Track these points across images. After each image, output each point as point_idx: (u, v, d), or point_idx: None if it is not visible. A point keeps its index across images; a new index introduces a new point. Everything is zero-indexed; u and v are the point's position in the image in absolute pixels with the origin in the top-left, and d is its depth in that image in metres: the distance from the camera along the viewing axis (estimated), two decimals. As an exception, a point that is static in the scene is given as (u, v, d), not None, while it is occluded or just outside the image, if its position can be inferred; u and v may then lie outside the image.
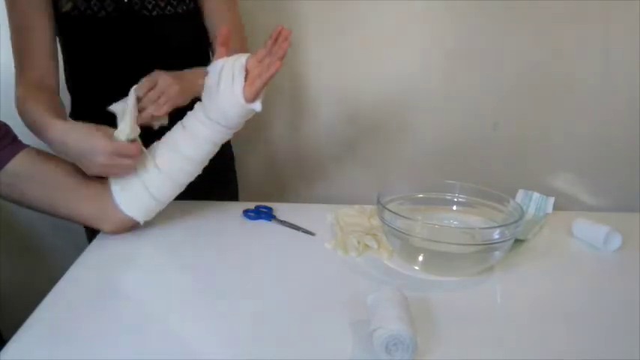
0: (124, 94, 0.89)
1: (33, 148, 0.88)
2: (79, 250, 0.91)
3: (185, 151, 0.89)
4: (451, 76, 1.55)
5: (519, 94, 1.56)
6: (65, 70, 1.10)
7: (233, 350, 0.68)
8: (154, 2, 1.01)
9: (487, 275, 0.87)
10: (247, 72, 0.83)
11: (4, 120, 0.88)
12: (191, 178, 0.93)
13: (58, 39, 1.03)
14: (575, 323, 0.76)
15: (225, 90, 0.83)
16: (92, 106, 1.02)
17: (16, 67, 0.99)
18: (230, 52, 0.88)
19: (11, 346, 0.67)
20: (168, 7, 1.01)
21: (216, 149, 0.92)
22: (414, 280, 0.85)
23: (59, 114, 0.92)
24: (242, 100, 0.83)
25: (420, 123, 1.59)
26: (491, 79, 1.55)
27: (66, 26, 1.01)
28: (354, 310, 0.76)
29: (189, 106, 0.92)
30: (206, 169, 0.95)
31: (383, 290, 0.73)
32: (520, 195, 1.12)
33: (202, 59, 1.05)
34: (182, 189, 0.93)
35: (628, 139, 1.57)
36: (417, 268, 0.88)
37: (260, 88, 0.82)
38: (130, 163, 0.86)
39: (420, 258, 0.87)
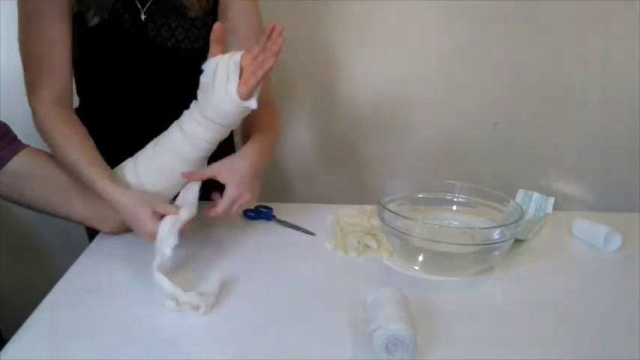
0: (136, 102, 0.90)
1: (33, 148, 0.88)
2: (79, 250, 0.91)
3: (181, 150, 0.89)
4: (451, 76, 1.55)
5: (519, 95, 1.56)
6: (76, 75, 1.05)
7: (233, 350, 0.68)
8: (169, 33, 0.97)
9: (487, 275, 0.87)
10: (242, 69, 0.83)
11: (4, 120, 0.88)
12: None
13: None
14: (576, 323, 0.76)
15: (220, 88, 0.83)
16: (102, 109, 1.02)
17: (30, 81, 0.93)
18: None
19: (11, 346, 0.67)
20: (185, 42, 0.98)
21: (213, 148, 0.92)
22: (414, 280, 0.85)
23: (96, 155, 0.88)
24: (237, 98, 0.83)
25: (420, 123, 1.59)
26: (491, 79, 1.55)
27: (91, 39, 0.96)
28: (354, 310, 0.76)
29: (186, 105, 0.91)
30: None
31: (383, 290, 0.73)
32: (520, 195, 1.12)
33: None
34: (179, 188, 0.93)
35: (628, 139, 1.57)
36: (417, 268, 0.88)
37: (255, 85, 0.82)
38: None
39: (420, 258, 0.87)
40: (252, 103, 0.84)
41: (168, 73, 0.99)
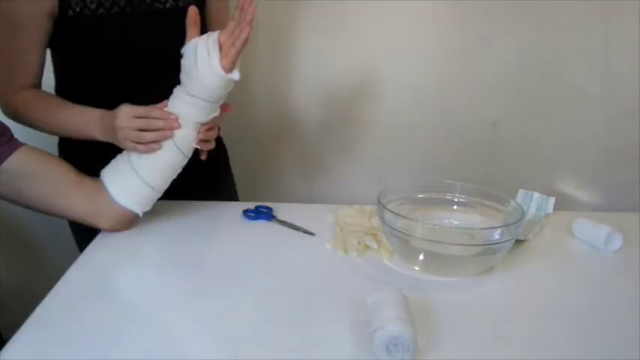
0: (129, 91, 0.90)
1: (30, 147, 0.88)
2: (79, 250, 0.91)
3: (174, 134, 0.90)
4: (451, 76, 1.55)
5: (519, 94, 1.56)
6: (58, 76, 1.07)
7: (233, 350, 0.68)
8: None
9: (487, 275, 0.87)
10: (220, 45, 0.87)
11: (1, 119, 0.88)
12: (183, 161, 0.93)
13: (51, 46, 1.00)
14: (576, 323, 0.76)
15: (203, 65, 0.86)
16: (95, 86, 1.02)
17: (3, 88, 0.98)
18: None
19: (11, 346, 0.67)
20: (180, 1, 1.01)
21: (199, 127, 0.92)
22: (414, 280, 0.85)
23: (78, 106, 0.97)
24: (220, 71, 0.86)
25: (420, 123, 1.59)
26: (491, 79, 1.55)
27: (72, 29, 0.96)
28: (354, 311, 0.76)
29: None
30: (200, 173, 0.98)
31: (383, 291, 0.73)
32: (520, 195, 1.12)
33: None
34: (176, 173, 0.93)
35: (628, 138, 1.57)
36: (417, 268, 0.88)
37: (235, 56, 0.86)
38: (160, 124, 0.88)
39: (420, 258, 0.87)
40: (235, 75, 0.88)
41: (172, 37, 0.93)
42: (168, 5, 1.00)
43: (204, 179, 1.08)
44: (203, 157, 0.97)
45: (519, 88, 1.55)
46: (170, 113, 0.90)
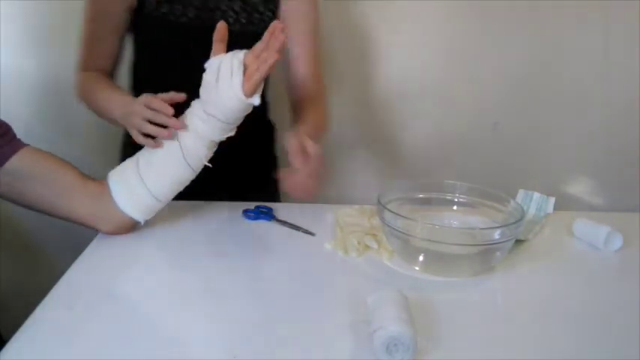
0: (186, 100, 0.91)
1: (33, 148, 0.88)
2: (79, 250, 0.90)
3: (184, 148, 0.89)
4: (451, 76, 1.55)
5: (519, 94, 1.56)
6: (132, 70, 1.14)
7: (233, 350, 0.68)
8: (235, 17, 1.04)
9: (488, 275, 0.87)
10: (245, 67, 0.84)
11: (3, 119, 0.88)
12: (191, 176, 0.92)
13: (133, 38, 1.09)
14: (576, 323, 0.76)
15: (224, 85, 0.84)
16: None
17: (79, 61, 1.08)
18: (305, 77, 1.02)
19: (11, 346, 0.67)
20: (250, 26, 1.03)
21: (215, 146, 0.92)
22: (414, 280, 0.85)
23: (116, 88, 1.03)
24: (241, 95, 0.83)
25: (420, 123, 1.59)
26: (492, 79, 1.55)
27: (146, 27, 1.04)
28: (354, 311, 0.76)
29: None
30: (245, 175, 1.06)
31: (383, 291, 0.73)
32: (520, 195, 1.12)
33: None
34: (183, 187, 0.93)
35: (628, 138, 1.58)
36: (417, 268, 0.87)
37: (258, 81, 0.83)
38: (164, 120, 0.87)
39: (421, 258, 0.87)
40: (255, 100, 0.85)
41: None
42: (236, 28, 1.02)
43: (249, 187, 1.16)
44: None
45: (519, 88, 1.55)
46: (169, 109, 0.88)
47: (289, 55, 1.10)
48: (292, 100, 1.15)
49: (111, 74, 1.10)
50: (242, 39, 0.90)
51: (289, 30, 1.01)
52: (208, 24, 0.97)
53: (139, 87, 1.13)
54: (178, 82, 0.92)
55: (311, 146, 0.86)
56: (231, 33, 0.98)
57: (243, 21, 1.06)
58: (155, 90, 0.94)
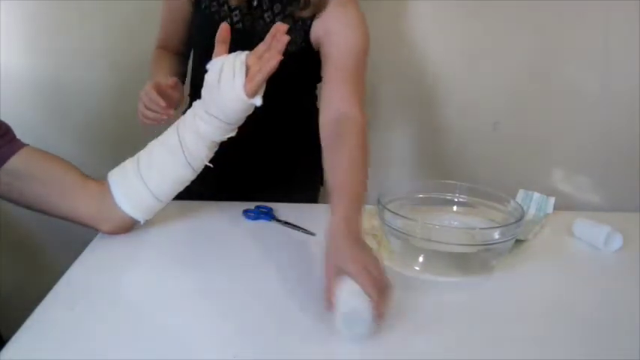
0: None
1: (32, 147, 0.88)
2: (79, 250, 0.90)
3: (185, 147, 0.89)
4: (451, 76, 1.55)
5: (519, 94, 1.56)
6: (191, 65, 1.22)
7: (233, 350, 0.68)
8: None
9: (487, 275, 0.87)
10: (247, 68, 0.84)
11: (4, 120, 0.88)
12: (192, 177, 0.92)
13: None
14: (576, 323, 0.76)
15: (226, 86, 0.84)
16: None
17: (157, 41, 1.20)
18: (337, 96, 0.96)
19: (11, 346, 0.67)
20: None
21: (216, 147, 0.92)
22: (414, 280, 0.85)
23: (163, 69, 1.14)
24: (243, 95, 0.83)
25: (420, 123, 1.59)
26: (492, 79, 1.55)
27: (197, 23, 1.12)
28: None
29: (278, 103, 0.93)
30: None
31: None
32: (520, 195, 1.12)
33: (303, 94, 1.18)
34: (183, 187, 0.93)
35: (628, 138, 1.58)
36: (417, 268, 0.88)
37: (260, 82, 0.83)
38: (154, 108, 0.97)
39: (421, 258, 0.87)
40: (257, 101, 0.85)
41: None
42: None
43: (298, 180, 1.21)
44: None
45: (519, 88, 1.55)
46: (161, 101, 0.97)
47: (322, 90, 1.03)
48: (322, 139, 0.98)
49: (184, 54, 1.21)
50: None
51: (331, 54, 1.00)
52: (249, 30, 1.05)
53: (192, 82, 1.21)
54: None
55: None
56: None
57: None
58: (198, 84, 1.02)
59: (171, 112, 0.99)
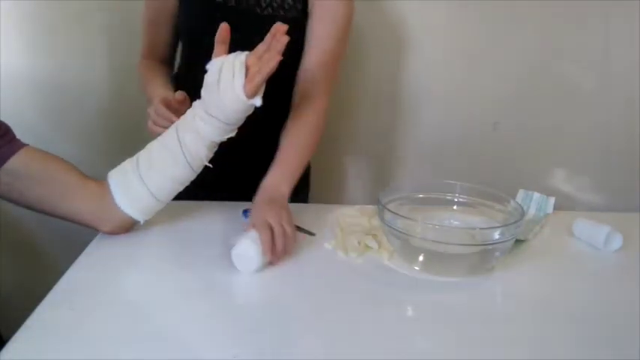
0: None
1: (32, 147, 0.88)
2: (79, 250, 0.91)
3: (184, 148, 0.89)
4: (451, 76, 1.55)
5: (519, 94, 1.56)
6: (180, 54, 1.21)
7: (233, 350, 0.68)
8: (268, 1, 1.06)
9: (487, 275, 0.87)
10: (247, 68, 0.84)
11: (3, 120, 0.88)
12: (192, 177, 0.92)
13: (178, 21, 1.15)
14: (576, 323, 0.76)
15: (226, 86, 0.84)
16: (193, 78, 1.04)
17: (141, 50, 1.18)
18: (308, 77, 1.01)
19: (11, 346, 0.67)
20: (281, 11, 1.06)
21: (215, 147, 0.92)
22: (414, 280, 0.85)
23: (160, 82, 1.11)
24: (243, 96, 0.83)
25: (420, 123, 1.59)
26: (492, 79, 1.55)
27: (186, 5, 1.10)
28: (354, 310, 0.76)
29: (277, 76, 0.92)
30: None
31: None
32: (520, 195, 1.12)
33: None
34: (183, 187, 0.93)
35: (628, 138, 1.58)
36: (417, 268, 0.88)
37: (260, 83, 0.83)
38: (160, 123, 0.95)
39: (421, 258, 0.87)
40: (257, 101, 0.85)
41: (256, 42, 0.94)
42: (265, 12, 1.05)
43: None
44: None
45: (519, 88, 1.55)
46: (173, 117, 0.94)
47: (306, 45, 1.10)
48: (296, 88, 1.12)
49: (168, 62, 1.20)
50: (272, 23, 0.89)
51: (314, 24, 1.08)
52: (242, 7, 1.06)
53: (183, 67, 1.20)
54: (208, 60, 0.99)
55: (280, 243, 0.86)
56: (263, 18, 1.04)
57: (275, 5, 1.07)
58: (191, 69, 1.04)
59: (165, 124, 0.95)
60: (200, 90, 0.89)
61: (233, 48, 0.89)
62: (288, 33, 0.84)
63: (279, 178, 0.98)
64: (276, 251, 0.86)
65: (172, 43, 1.18)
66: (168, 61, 1.20)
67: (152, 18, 1.15)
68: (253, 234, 0.86)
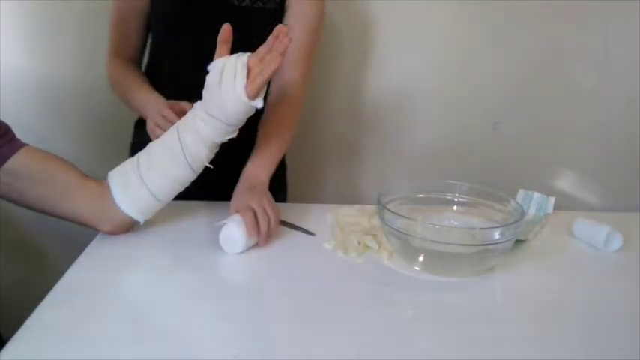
0: (195, 77, 0.91)
1: (32, 147, 0.88)
2: (79, 250, 0.90)
3: (185, 148, 0.89)
4: (451, 76, 1.55)
5: (519, 94, 1.56)
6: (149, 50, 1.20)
7: (233, 350, 0.68)
8: None
9: (487, 275, 0.87)
10: (249, 70, 0.84)
11: (3, 120, 0.88)
12: (192, 177, 0.92)
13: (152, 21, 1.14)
14: (576, 323, 0.76)
15: (227, 87, 0.84)
16: (169, 71, 1.06)
17: (108, 49, 1.16)
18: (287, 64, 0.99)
19: (11, 346, 0.67)
20: (259, 2, 1.06)
21: (216, 148, 0.92)
22: (414, 280, 0.85)
23: (143, 85, 1.09)
24: (244, 97, 0.83)
25: (420, 123, 1.59)
26: (492, 79, 1.55)
27: (162, 8, 1.10)
28: (354, 310, 0.76)
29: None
30: None
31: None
32: (520, 195, 1.12)
33: None
34: (183, 188, 0.93)
35: (628, 138, 1.58)
36: (417, 268, 0.88)
37: (262, 84, 0.83)
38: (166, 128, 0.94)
39: (421, 258, 0.87)
40: (258, 103, 0.85)
41: (241, 35, 0.93)
42: (243, 4, 1.05)
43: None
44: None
45: (519, 88, 1.55)
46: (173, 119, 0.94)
47: None
48: (272, 81, 1.11)
49: (138, 62, 1.18)
50: (250, 16, 0.90)
51: (288, 22, 1.08)
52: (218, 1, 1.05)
53: (153, 63, 1.19)
54: (185, 54, 1.02)
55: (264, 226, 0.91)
56: (240, 9, 1.04)
57: None
58: (164, 63, 1.04)
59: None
60: (171, 81, 0.91)
61: (212, 40, 0.89)
62: (264, 24, 0.85)
63: (258, 167, 1.02)
64: (261, 232, 0.90)
65: (142, 42, 1.17)
66: (138, 60, 1.19)
67: (121, 15, 1.14)
68: (238, 217, 0.90)
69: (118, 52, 1.16)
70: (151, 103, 1.02)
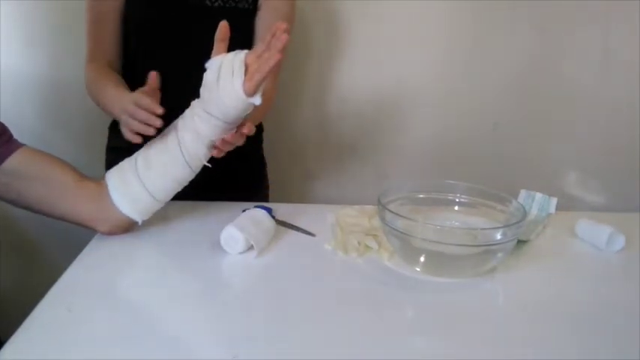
0: (171, 78, 0.91)
1: (29, 148, 0.87)
2: (78, 250, 0.90)
3: (183, 147, 0.89)
4: (451, 76, 1.55)
5: (519, 95, 1.56)
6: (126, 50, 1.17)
7: (233, 350, 0.68)
8: None
9: (489, 276, 0.87)
10: (246, 67, 0.84)
11: (3, 119, 0.87)
12: (190, 176, 0.92)
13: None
14: (578, 324, 0.76)
15: (225, 85, 0.83)
16: (143, 73, 1.04)
17: (86, 53, 1.12)
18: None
19: (10, 346, 0.67)
20: (231, 2, 1.07)
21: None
22: (414, 281, 0.85)
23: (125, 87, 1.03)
24: (242, 95, 0.83)
25: (420, 123, 1.59)
26: (492, 79, 1.55)
27: (135, 8, 1.09)
28: (354, 311, 0.76)
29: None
30: (237, 175, 1.05)
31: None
32: (522, 195, 1.11)
33: None
34: (181, 187, 0.93)
35: (630, 138, 1.57)
36: (417, 269, 0.87)
37: (260, 81, 0.82)
38: (144, 117, 0.86)
39: (421, 259, 0.86)
40: (257, 100, 0.84)
41: (213, 35, 0.92)
42: (215, 4, 1.06)
43: (240, 187, 1.18)
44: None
45: (519, 88, 1.55)
46: (157, 107, 0.87)
47: (255, 38, 1.12)
48: None
49: (116, 66, 1.13)
50: (222, 15, 0.89)
51: (259, 21, 1.09)
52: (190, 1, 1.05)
53: (127, 65, 1.15)
54: (159, 55, 1.00)
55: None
56: (213, 10, 1.04)
57: None
58: (138, 63, 1.02)
59: (160, 121, 0.87)
60: (147, 84, 0.90)
61: (185, 41, 0.88)
62: (237, 24, 0.86)
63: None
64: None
65: (118, 44, 1.13)
66: (116, 64, 1.13)
67: (96, 18, 1.11)
68: (239, 219, 0.92)
69: (94, 56, 1.11)
70: (122, 98, 0.93)
